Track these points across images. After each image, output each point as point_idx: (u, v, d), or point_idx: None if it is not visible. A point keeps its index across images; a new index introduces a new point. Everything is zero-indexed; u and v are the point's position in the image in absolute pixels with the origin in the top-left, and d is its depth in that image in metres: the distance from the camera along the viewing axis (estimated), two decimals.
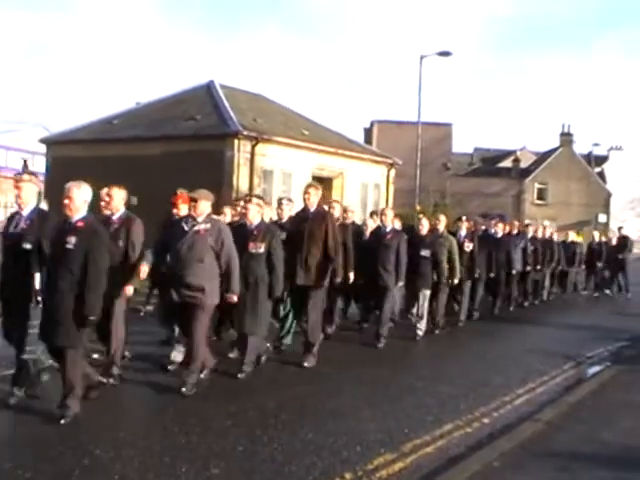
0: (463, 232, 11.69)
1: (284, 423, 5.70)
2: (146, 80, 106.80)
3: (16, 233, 5.72)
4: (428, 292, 10.03)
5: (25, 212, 5.82)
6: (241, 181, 20.05)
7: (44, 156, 25.84)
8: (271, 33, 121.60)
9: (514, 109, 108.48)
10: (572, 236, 18.16)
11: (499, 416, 6.26)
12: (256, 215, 7.28)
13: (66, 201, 5.41)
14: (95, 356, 7.04)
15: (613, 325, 12.45)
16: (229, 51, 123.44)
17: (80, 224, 5.39)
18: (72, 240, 5.28)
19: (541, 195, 46.79)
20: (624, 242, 18.72)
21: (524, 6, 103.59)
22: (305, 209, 7.98)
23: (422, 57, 23.91)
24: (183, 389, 6.27)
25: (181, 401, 6.13)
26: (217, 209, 8.41)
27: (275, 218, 8.82)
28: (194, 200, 6.49)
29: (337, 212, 9.45)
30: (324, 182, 20.97)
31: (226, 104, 21.66)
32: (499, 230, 13.51)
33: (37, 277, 5.61)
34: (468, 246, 11.46)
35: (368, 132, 45.14)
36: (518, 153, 52.08)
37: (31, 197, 5.92)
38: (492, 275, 12.55)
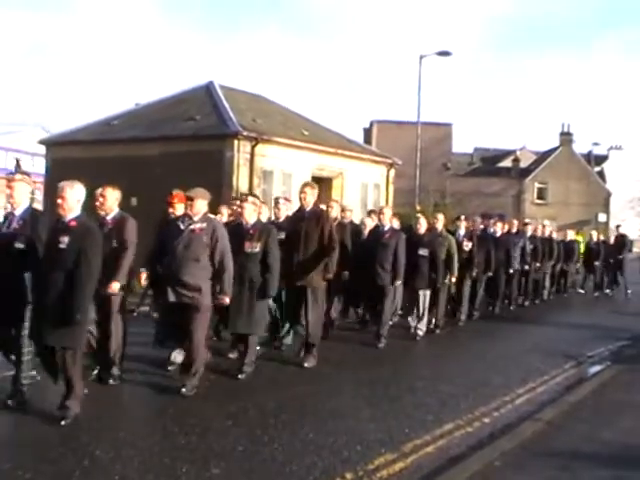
0: (462, 231, 11.70)
1: (284, 423, 5.70)
2: (146, 80, 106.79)
3: (8, 233, 5.69)
4: (428, 292, 10.03)
5: (18, 212, 5.80)
6: (241, 182, 20.01)
7: (44, 157, 25.82)
8: (271, 33, 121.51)
9: (514, 109, 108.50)
10: (571, 235, 18.16)
11: (500, 416, 6.25)
12: (252, 214, 7.25)
13: (59, 201, 5.39)
14: None
15: (613, 324, 12.45)
16: (229, 51, 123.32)
17: (73, 224, 5.37)
18: (65, 240, 5.26)
19: (541, 195, 46.76)
20: (622, 241, 18.72)
21: (524, 6, 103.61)
22: (301, 209, 7.94)
23: (422, 57, 23.85)
24: (183, 390, 6.26)
25: (181, 401, 6.13)
26: (216, 209, 8.42)
27: (273, 218, 8.81)
28: (190, 199, 6.46)
29: (336, 212, 9.44)
30: (324, 182, 21.00)
31: (226, 104, 21.63)
32: (498, 229, 13.53)
33: (26, 277, 5.56)
34: (467, 245, 11.46)
35: (368, 132, 45.13)
36: (518, 153, 52.03)
37: (24, 197, 5.89)
38: (490, 274, 12.55)
